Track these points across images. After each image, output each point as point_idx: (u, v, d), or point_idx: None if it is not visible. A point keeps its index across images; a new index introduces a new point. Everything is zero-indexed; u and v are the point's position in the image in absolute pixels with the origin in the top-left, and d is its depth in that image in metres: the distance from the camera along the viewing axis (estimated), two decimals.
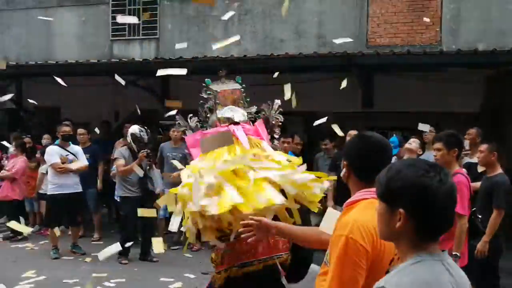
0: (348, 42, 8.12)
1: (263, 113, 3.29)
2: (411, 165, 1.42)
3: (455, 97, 7.74)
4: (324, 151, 7.12)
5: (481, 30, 7.89)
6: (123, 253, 6.42)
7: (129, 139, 6.53)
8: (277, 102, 3.32)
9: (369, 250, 1.74)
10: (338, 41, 4.79)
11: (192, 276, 5.62)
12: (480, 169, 4.92)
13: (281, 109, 3.31)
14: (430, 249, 1.42)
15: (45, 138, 8.16)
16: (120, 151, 6.61)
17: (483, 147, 4.58)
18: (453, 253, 3.57)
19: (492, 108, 7.57)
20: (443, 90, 7.70)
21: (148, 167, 6.44)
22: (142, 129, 6.51)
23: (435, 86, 7.74)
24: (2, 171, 7.56)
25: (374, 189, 1.87)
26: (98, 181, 7.48)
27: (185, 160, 7.06)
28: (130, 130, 6.59)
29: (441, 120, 7.41)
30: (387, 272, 1.77)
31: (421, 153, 5.60)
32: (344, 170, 2.00)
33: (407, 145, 5.62)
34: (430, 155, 5.87)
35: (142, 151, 6.35)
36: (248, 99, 3.34)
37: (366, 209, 1.86)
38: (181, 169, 3.24)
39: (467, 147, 5.46)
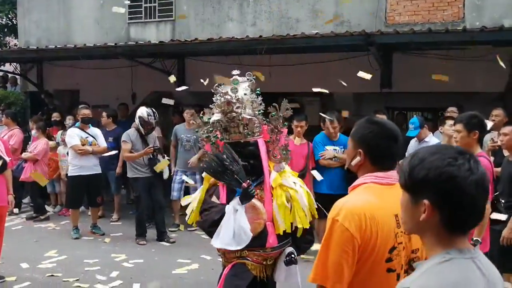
0: (366, 20, 7.99)
1: (271, 115, 3.19)
2: (436, 152, 1.30)
3: (478, 77, 7.50)
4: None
5: (507, 6, 7.56)
6: (140, 234, 6.54)
7: (137, 121, 6.54)
8: (285, 102, 3.21)
9: (356, 236, 1.67)
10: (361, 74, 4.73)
11: (208, 257, 5.67)
12: (506, 153, 4.73)
13: (288, 108, 3.20)
14: (459, 244, 1.30)
15: (69, 119, 8.25)
16: (128, 133, 6.63)
17: (507, 129, 4.39)
18: (474, 238, 3.47)
19: None
20: (466, 69, 7.45)
21: (158, 153, 6.51)
22: (150, 112, 6.52)
23: (457, 65, 7.48)
24: (24, 153, 7.71)
25: (377, 173, 1.85)
26: (118, 165, 7.57)
27: (198, 142, 7.14)
28: (138, 112, 6.59)
29: (464, 100, 7.22)
30: (389, 260, 1.73)
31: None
32: (358, 158, 1.89)
33: (444, 130, 5.41)
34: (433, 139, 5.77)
35: (149, 147, 6.44)
36: (258, 92, 3.20)
37: (360, 193, 1.82)
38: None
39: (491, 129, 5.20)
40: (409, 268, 1.79)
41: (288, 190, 3.04)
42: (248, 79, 3.17)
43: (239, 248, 2.87)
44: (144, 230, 6.60)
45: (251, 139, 3.09)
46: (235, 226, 2.84)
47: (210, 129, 3.17)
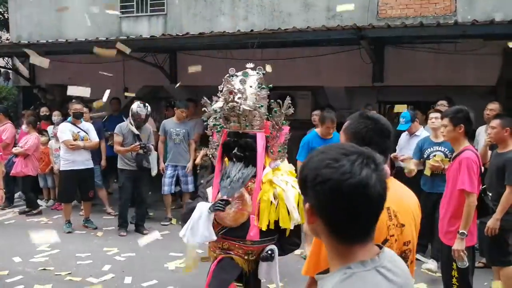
0: (358, 14, 7.99)
1: (274, 111, 3.23)
2: (324, 151, 1.17)
3: (470, 70, 7.54)
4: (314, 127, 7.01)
5: (498, 0, 7.59)
6: (120, 225, 6.69)
7: (130, 114, 6.64)
8: (288, 99, 3.27)
9: None
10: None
11: (200, 251, 5.67)
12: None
13: (290, 105, 3.26)
14: (360, 255, 1.15)
15: (55, 115, 8.25)
16: (119, 126, 6.75)
17: (495, 122, 4.42)
18: (460, 231, 3.51)
19: (509, 81, 7.35)
20: (458, 63, 7.49)
21: (146, 151, 6.57)
22: (141, 105, 6.57)
23: (449, 59, 7.53)
24: (15, 148, 7.69)
25: None
26: (102, 158, 7.58)
27: (188, 136, 7.18)
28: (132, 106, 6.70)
29: (455, 94, 7.25)
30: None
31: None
32: None
33: (429, 123, 5.48)
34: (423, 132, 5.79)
35: (135, 144, 6.50)
36: (271, 87, 3.26)
37: None
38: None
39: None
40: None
41: (276, 188, 3.08)
42: (257, 73, 3.22)
43: (191, 242, 3.03)
44: (125, 221, 6.73)
45: (250, 131, 3.11)
46: (195, 225, 3.00)
47: (215, 117, 3.25)
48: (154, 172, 6.79)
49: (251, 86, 3.11)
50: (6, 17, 13.56)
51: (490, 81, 7.47)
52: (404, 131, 5.96)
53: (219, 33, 7.49)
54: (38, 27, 10.64)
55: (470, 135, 4.00)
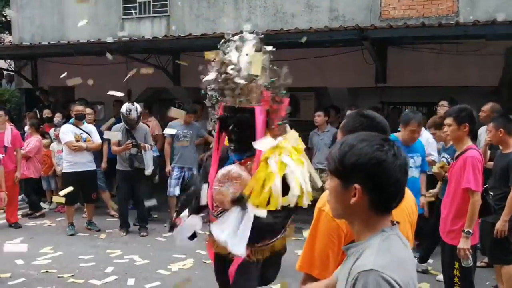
0: (361, 15, 7.98)
1: (271, 81, 2.88)
2: (364, 139, 1.38)
3: (472, 71, 7.52)
4: (317, 127, 7.01)
5: (500, 0, 7.57)
6: (120, 226, 6.77)
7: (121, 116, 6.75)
8: (286, 68, 2.94)
9: (342, 226, 1.68)
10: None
11: (203, 252, 5.68)
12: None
13: (289, 76, 2.94)
14: (387, 222, 1.42)
15: (57, 117, 8.26)
16: (114, 128, 6.86)
17: (490, 126, 4.45)
18: (465, 230, 3.50)
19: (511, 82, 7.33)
20: (460, 63, 7.48)
21: (138, 150, 6.64)
22: (130, 107, 6.61)
23: (451, 59, 7.52)
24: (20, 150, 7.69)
25: None
26: (103, 160, 7.59)
27: (196, 138, 7.19)
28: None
29: (458, 94, 7.23)
30: None
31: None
32: None
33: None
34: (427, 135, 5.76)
35: (127, 142, 6.56)
36: (273, 49, 2.92)
37: None
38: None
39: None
40: None
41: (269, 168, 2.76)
42: (254, 37, 2.89)
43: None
44: (125, 221, 6.79)
45: (248, 106, 2.81)
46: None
47: (211, 88, 2.93)
48: (147, 172, 6.79)
49: (247, 54, 2.77)
50: (9, 19, 13.58)
51: (492, 82, 7.46)
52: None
53: (222, 34, 7.47)
54: (40, 29, 10.66)
55: (474, 135, 3.98)
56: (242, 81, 2.75)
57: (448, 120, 3.67)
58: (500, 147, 4.49)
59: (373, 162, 1.33)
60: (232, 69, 2.75)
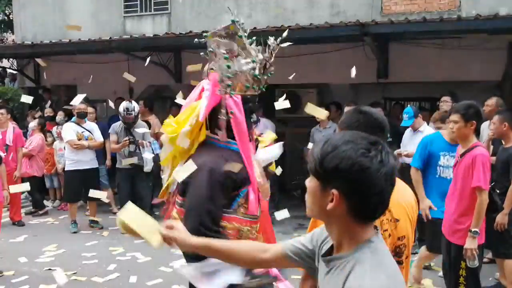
0: (363, 10, 7.95)
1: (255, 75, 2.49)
2: (350, 141, 1.25)
3: (475, 65, 7.47)
4: (319, 123, 7.00)
5: None
6: None
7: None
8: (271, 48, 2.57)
9: None
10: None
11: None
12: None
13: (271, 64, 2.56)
14: (368, 232, 1.30)
15: (59, 115, 8.28)
16: (113, 126, 6.85)
17: (495, 118, 4.40)
18: (473, 229, 3.44)
19: None
20: (462, 58, 7.44)
21: (136, 147, 6.67)
22: (129, 106, 6.62)
23: (453, 54, 7.48)
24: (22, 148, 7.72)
25: None
26: (107, 158, 7.60)
27: None
28: None
29: (460, 89, 7.20)
30: None
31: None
32: None
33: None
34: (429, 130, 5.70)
35: (125, 139, 6.59)
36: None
37: None
38: None
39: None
40: (396, 255, 1.79)
41: None
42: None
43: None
44: None
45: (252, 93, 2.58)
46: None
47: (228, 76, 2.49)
48: (146, 168, 6.77)
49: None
50: (11, 18, 13.63)
51: (495, 76, 7.41)
52: (408, 127, 5.92)
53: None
54: (42, 27, 10.68)
55: (477, 131, 3.94)
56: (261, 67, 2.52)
57: (455, 117, 3.54)
58: (503, 142, 4.47)
59: (355, 168, 1.20)
60: (258, 59, 2.50)
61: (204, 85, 2.60)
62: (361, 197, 1.23)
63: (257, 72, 2.51)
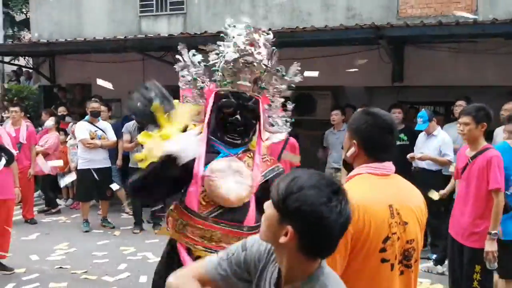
0: (378, 13, 7.89)
1: (281, 74, 2.69)
2: (314, 187, 1.29)
3: (490, 70, 7.38)
4: (333, 126, 6.93)
5: None
6: (135, 223, 6.84)
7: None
8: (296, 65, 2.81)
9: (349, 228, 1.63)
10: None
11: None
12: None
13: (299, 71, 2.76)
14: (318, 259, 1.38)
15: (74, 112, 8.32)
16: (126, 126, 6.85)
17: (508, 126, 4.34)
18: (492, 232, 3.43)
19: None
20: (478, 62, 7.34)
21: None
22: None
23: (469, 59, 7.39)
24: (35, 146, 7.78)
25: (372, 164, 1.83)
26: (118, 158, 7.61)
27: None
28: None
29: (476, 94, 7.09)
30: (382, 250, 1.72)
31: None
32: (353, 149, 1.86)
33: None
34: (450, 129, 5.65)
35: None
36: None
37: (354, 184, 1.81)
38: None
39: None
40: (404, 259, 1.79)
41: None
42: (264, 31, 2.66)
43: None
44: (139, 219, 6.85)
45: (256, 96, 2.59)
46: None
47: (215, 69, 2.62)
48: None
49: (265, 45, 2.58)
50: (28, 16, 13.79)
51: (511, 81, 7.29)
52: (422, 131, 5.85)
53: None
54: (58, 26, 10.77)
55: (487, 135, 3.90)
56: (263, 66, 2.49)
57: (466, 119, 3.57)
58: None
59: (314, 215, 1.26)
60: (258, 53, 2.50)
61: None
62: (313, 240, 1.30)
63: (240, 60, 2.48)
